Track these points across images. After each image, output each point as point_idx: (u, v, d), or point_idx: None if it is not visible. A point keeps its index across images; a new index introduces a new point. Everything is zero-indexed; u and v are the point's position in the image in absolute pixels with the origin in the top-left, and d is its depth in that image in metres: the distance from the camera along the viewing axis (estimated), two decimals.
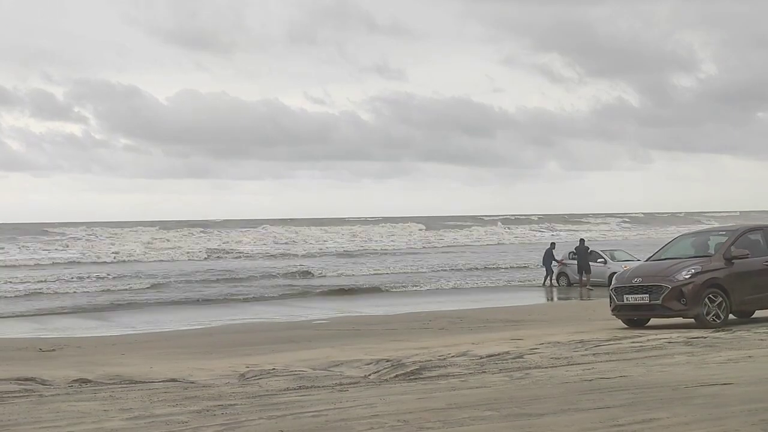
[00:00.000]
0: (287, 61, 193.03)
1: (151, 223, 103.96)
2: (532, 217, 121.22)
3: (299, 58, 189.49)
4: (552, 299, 31.40)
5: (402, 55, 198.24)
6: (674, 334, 15.14)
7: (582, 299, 30.64)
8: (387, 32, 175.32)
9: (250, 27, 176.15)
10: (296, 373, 11.91)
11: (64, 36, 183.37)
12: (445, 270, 44.78)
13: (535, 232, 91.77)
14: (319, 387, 10.63)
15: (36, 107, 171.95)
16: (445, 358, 12.99)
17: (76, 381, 11.53)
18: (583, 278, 33.96)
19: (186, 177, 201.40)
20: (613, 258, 34.69)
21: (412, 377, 11.39)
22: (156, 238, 78.28)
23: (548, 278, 35.59)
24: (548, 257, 35.40)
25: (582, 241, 36.02)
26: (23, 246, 68.24)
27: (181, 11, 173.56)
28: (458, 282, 38.24)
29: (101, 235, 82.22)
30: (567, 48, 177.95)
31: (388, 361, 12.81)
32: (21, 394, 10.44)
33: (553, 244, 36.96)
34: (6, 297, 33.44)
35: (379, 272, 44.18)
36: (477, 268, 45.89)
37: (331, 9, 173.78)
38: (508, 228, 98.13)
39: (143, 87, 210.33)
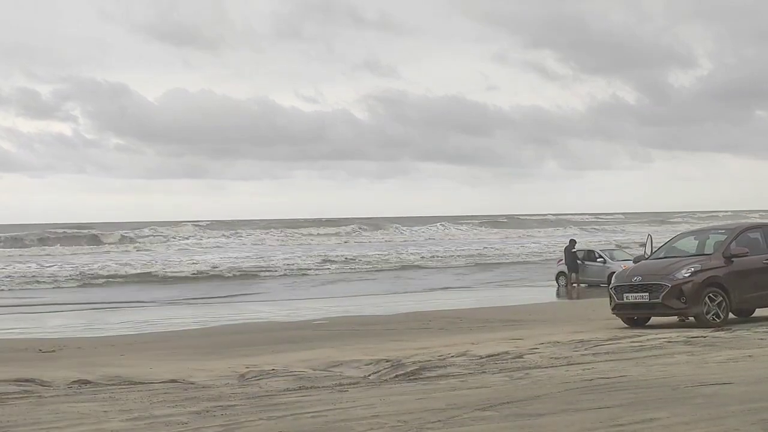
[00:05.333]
0: (275, 58, 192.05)
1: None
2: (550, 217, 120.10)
3: (287, 54, 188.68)
4: (572, 297, 31.33)
5: (392, 52, 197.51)
6: (674, 334, 15.14)
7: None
8: (375, 27, 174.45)
9: (232, 21, 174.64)
10: (296, 373, 11.91)
11: (43, 33, 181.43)
12: None
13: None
14: (318, 387, 10.62)
15: (22, 106, 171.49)
16: (444, 359, 12.98)
17: (75, 382, 11.52)
18: (572, 277, 34.39)
19: (182, 177, 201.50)
20: (612, 257, 34.72)
21: (411, 377, 11.39)
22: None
23: (573, 275, 35.12)
24: (569, 255, 35.19)
25: (572, 241, 36.22)
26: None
27: (160, 6, 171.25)
28: None
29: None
30: (560, 44, 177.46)
31: (387, 361, 12.80)
32: (21, 396, 10.43)
33: (572, 242, 36.76)
34: None
35: None
36: None
37: (315, 2, 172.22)
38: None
39: (130, 85, 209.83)
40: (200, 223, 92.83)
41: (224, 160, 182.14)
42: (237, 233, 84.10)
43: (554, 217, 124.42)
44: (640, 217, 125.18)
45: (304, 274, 44.86)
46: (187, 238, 79.07)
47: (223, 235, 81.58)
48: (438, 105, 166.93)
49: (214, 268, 46.63)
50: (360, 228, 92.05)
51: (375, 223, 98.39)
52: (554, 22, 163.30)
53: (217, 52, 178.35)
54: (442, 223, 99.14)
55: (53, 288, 38.93)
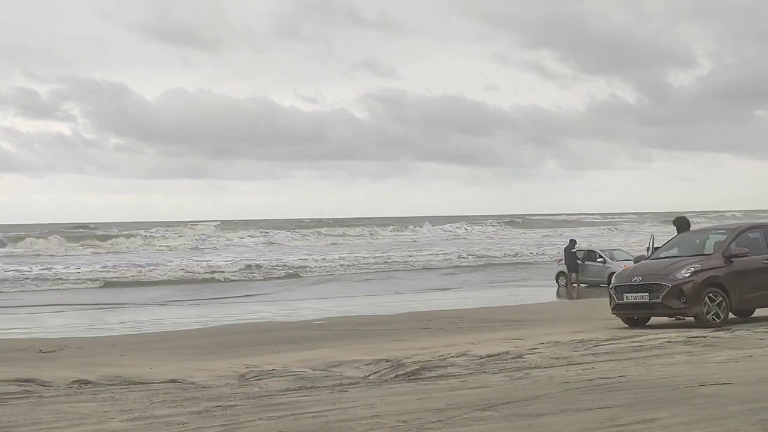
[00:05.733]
0: (274, 58, 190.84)
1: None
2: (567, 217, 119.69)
3: (286, 54, 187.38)
4: (572, 297, 31.34)
5: (392, 52, 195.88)
6: (674, 334, 15.14)
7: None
8: (375, 27, 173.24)
9: (232, 21, 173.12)
10: (296, 373, 11.91)
11: (42, 33, 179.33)
12: None
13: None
14: (319, 387, 10.63)
15: (21, 106, 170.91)
16: (444, 358, 12.99)
17: (76, 382, 11.53)
18: (572, 277, 34.46)
19: (182, 177, 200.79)
20: (612, 257, 34.76)
21: (412, 377, 11.40)
22: None
23: (573, 275, 35.07)
24: (569, 255, 35.21)
25: (572, 242, 36.29)
26: None
27: (160, 5, 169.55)
28: None
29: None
30: (560, 44, 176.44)
31: (387, 361, 12.81)
32: (21, 396, 10.44)
33: (572, 242, 36.77)
34: None
35: None
36: None
37: (315, 2, 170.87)
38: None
39: (129, 85, 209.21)
40: (203, 224, 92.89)
41: (224, 160, 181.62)
42: (247, 234, 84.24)
43: (567, 216, 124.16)
44: (656, 217, 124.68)
45: (305, 275, 44.85)
46: (191, 239, 79.14)
47: (219, 237, 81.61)
48: (438, 105, 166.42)
49: (219, 268, 46.56)
50: (367, 228, 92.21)
51: (382, 223, 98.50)
52: (554, 22, 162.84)
53: (217, 52, 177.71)
54: (451, 224, 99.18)
55: (54, 288, 38.93)
